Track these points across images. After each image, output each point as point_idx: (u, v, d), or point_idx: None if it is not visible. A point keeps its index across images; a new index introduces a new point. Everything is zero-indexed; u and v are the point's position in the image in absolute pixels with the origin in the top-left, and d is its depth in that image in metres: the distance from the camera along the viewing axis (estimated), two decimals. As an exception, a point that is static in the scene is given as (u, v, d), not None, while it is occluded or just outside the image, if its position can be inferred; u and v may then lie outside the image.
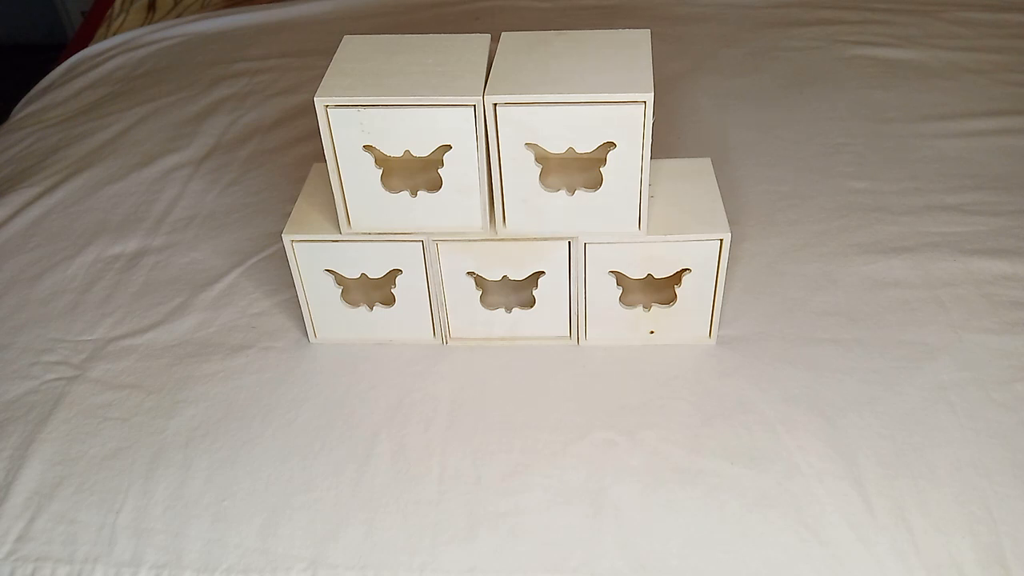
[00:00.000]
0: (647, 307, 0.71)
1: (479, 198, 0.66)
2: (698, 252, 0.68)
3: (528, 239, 0.68)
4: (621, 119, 0.61)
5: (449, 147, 0.63)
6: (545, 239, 0.68)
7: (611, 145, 0.63)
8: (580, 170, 0.68)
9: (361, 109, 0.62)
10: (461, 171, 0.64)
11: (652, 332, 0.72)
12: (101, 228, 0.90)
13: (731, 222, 0.68)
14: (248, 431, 0.67)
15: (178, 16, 1.38)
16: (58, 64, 1.29)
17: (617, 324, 0.72)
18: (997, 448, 0.62)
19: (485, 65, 0.65)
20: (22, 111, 1.19)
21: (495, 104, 0.61)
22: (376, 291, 0.74)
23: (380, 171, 0.65)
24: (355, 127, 0.63)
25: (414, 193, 0.66)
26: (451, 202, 0.66)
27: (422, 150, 0.64)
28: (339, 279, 0.72)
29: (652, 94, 0.60)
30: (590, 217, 0.66)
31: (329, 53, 0.67)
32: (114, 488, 0.63)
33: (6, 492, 0.63)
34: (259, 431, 0.67)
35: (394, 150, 0.64)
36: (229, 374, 0.72)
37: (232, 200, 0.93)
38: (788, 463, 0.62)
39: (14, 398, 0.71)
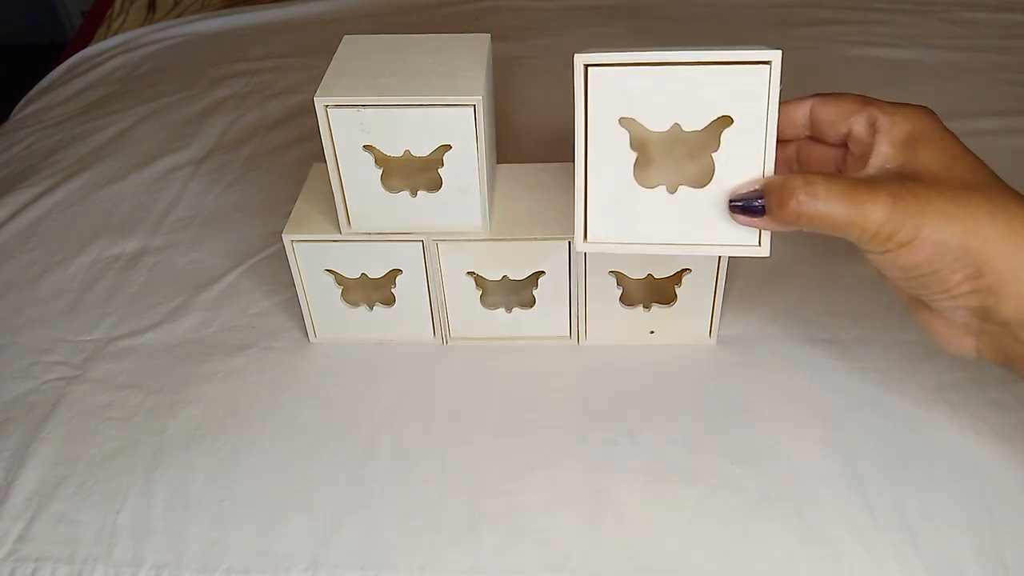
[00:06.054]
0: (647, 307, 0.71)
1: (479, 198, 0.66)
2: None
3: (528, 239, 0.68)
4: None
5: (449, 147, 0.63)
6: (545, 239, 0.68)
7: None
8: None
9: (361, 109, 0.62)
10: (461, 171, 0.64)
11: (652, 332, 0.72)
12: (101, 228, 0.90)
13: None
14: (248, 431, 0.67)
15: (178, 16, 1.38)
16: (58, 64, 1.29)
17: (617, 324, 0.72)
18: (997, 448, 0.62)
19: (485, 65, 0.65)
20: (22, 111, 1.19)
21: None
22: (376, 291, 0.74)
23: (380, 171, 0.65)
24: (355, 127, 0.63)
25: (414, 193, 0.66)
26: (451, 202, 0.66)
27: (422, 150, 0.64)
28: (339, 279, 0.72)
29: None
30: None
31: (329, 53, 0.67)
32: (114, 488, 0.63)
33: (6, 492, 0.63)
34: (259, 431, 0.67)
35: (394, 150, 0.64)
36: (229, 374, 0.72)
37: (232, 200, 0.93)
38: (788, 463, 0.62)
39: (14, 398, 0.71)
